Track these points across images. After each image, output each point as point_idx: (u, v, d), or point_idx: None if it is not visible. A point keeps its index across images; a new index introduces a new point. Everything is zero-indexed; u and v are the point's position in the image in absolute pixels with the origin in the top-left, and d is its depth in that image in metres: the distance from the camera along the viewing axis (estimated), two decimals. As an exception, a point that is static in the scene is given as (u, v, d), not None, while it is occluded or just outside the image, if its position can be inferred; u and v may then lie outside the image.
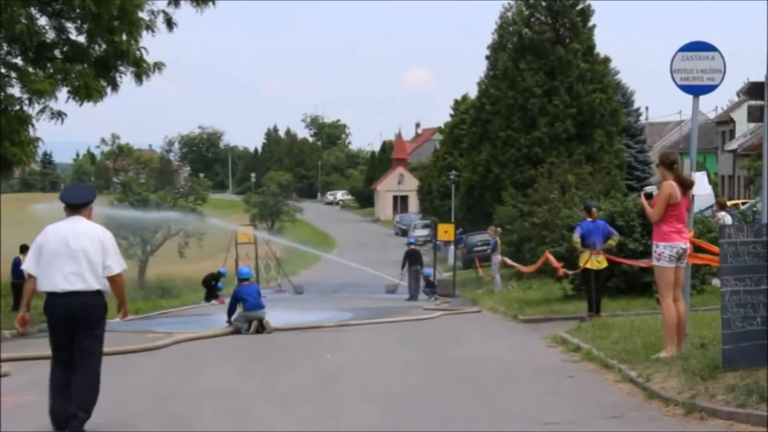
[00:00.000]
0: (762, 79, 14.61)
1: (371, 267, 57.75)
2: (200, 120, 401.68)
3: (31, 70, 27.85)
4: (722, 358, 12.36)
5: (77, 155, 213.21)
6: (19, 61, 28.23)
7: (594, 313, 23.18)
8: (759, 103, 14.97)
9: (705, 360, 12.94)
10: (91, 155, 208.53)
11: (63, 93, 27.87)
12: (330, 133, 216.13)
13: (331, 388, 14.69)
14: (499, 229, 44.05)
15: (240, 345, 22.29)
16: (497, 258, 40.24)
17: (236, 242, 47.73)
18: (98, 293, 11.33)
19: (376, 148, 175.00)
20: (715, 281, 24.73)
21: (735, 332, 12.29)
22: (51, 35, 28.52)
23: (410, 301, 40.24)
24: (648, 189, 18.56)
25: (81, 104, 27.91)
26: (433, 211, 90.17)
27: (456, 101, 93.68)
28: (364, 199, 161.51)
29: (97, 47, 28.60)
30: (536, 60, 58.12)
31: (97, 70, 28.29)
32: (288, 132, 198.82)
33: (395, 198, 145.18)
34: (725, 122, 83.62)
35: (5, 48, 27.96)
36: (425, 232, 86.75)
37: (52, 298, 11.30)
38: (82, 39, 28.62)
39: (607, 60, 60.86)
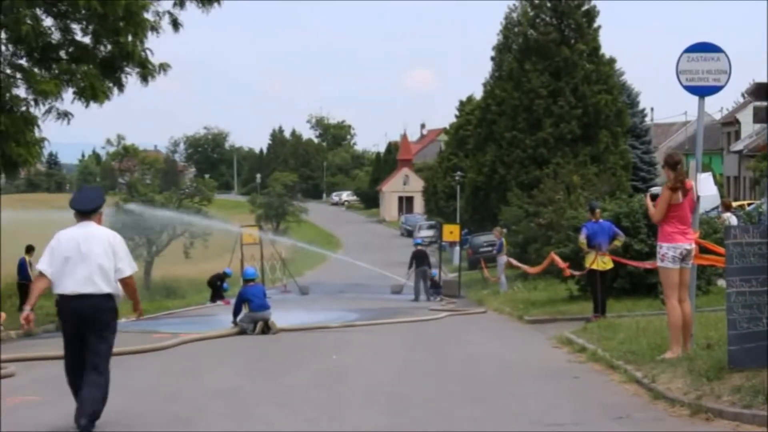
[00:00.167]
0: (767, 79, 14.59)
1: (377, 269, 57.73)
2: (205, 121, 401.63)
3: (36, 71, 27.86)
4: (728, 358, 12.36)
5: (83, 156, 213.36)
6: (24, 62, 28.24)
7: (599, 314, 23.18)
8: (764, 104, 14.96)
9: (711, 361, 12.93)
10: (96, 156, 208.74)
11: (68, 94, 27.90)
12: (335, 134, 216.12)
13: (335, 389, 14.70)
14: (504, 230, 44.01)
15: (245, 345, 22.30)
16: (503, 259, 40.22)
17: (241, 243, 47.72)
18: (109, 296, 11.53)
19: (382, 148, 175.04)
20: (721, 282, 24.71)
21: (741, 333, 12.28)
22: (56, 36, 28.53)
23: (415, 302, 40.21)
24: (654, 190, 18.52)
25: (87, 105, 27.93)
26: (439, 212, 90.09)
27: (461, 102, 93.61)
28: (370, 200, 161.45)
29: (102, 48, 28.60)
30: (541, 61, 58.07)
31: (102, 71, 28.30)
32: (293, 133, 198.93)
33: (400, 199, 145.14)
34: (731, 123, 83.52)
35: (11, 49, 27.98)
36: (430, 232, 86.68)
37: (64, 300, 11.51)
38: (87, 40, 28.63)
39: (612, 61, 60.82)
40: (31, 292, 11.80)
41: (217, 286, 43.87)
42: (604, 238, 23.77)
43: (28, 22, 26.57)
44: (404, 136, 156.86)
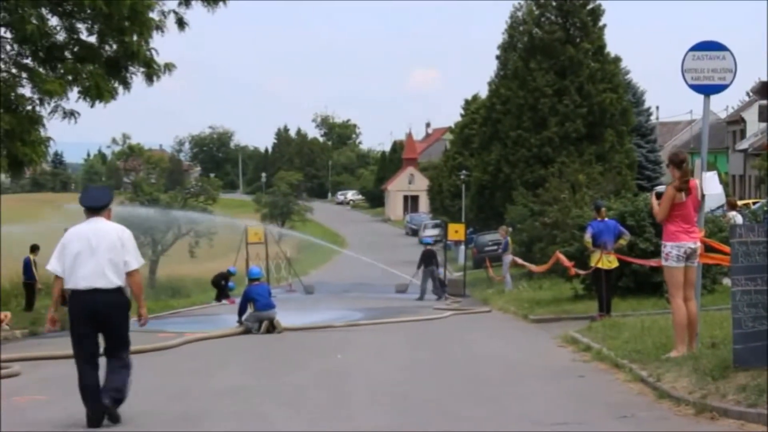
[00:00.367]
0: (766, 75, 14.58)
1: (382, 268, 57.73)
2: (211, 120, 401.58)
3: (41, 70, 27.88)
4: (733, 357, 12.34)
5: (88, 155, 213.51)
6: (29, 61, 28.26)
7: (604, 313, 23.17)
8: (770, 102, 14.94)
9: (716, 360, 12.92)
10: (102, 155, 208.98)
11: (74, 93, 27.92)
12: (340, 133, 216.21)
13: (340, 388, 14.71)
14: (510, 229, 43.96)
15: (250, 345, 22.32)
16: (508, 258, 40.18)
17: (246, 242, 47.70)
18: (120, 290, 11.82)
19: (387, 147, 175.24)
20: (726, 281, 24.69)
21: (746, 332, 12.27)
22: (62, 36, 28.56)
23: (420, 301, 40.19)
24: (659, 188, 18.55)
25: (92, 105, 27.95)
26: (444, 211, 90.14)
27: (466, 101, 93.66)
28: (375, 199, 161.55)
29: (107, 48, 28.62)
30: (546, 60, 58.09)
31: (107, 70, 28.32)
32: (298, 132, 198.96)
33: (406, 198, 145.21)
34: (736, 122, 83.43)
35: (16, 48, 28.00)
36: (436, 231, 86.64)
37: (76, 295, 11.75)
38: (92, 39, 28.65)
39: (617, 59, 60.82)
40: (52, 294, 12.24)
41: (221, 286, 43.84)
42: (610, 237, 23.76)
43: (34, 21, 26.60)
44: (409, 135, 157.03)
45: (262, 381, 15.69)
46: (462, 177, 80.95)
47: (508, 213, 52.52)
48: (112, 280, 11.72)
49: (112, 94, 28.24)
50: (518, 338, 22.71)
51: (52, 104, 27.98)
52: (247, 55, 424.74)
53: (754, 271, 12.39)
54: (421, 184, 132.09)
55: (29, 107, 27.90)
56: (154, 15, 28.92)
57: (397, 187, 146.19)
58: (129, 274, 11.87)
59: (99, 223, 11.93)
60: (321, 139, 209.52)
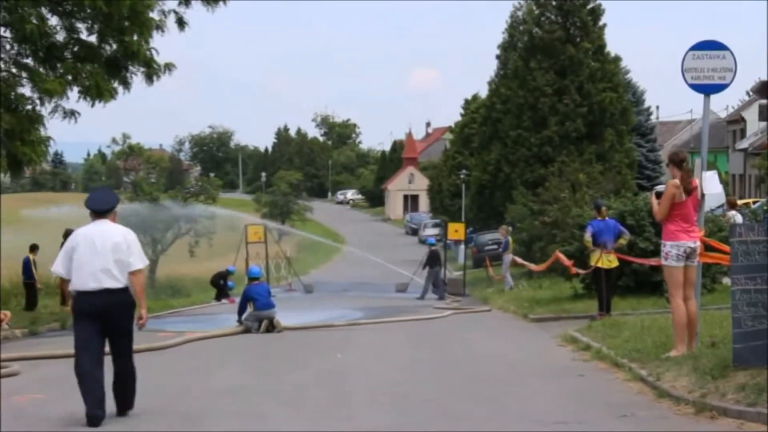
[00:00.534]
0: (766, 76, 14.59)
1: (381, 267, 57.77)
2: (211, 119, 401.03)
3: (41, 70, 27.87)
4: (733, 356, 12.35)
5: (88, 155, 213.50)
6: (29, 61, 28.25)
7: (604, 312, 23.18)
8: (770, 102, 14.95)
9: (715, 359, 12.93)
10: (102, 155, 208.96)
11: (74, 93, 27.91)
12: (340, 133, 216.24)
13: (340, 387, 14.71)
14: (510, 229, 43.94)
15: (250, 344, 22.31)
16: (508, 257, 40.16)
17: (246, 241, 47.72)
18: (125, 290, 12.10)
19: (387, 147, 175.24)
20: (726, 280, 24.70)
21: (745, 331, 12.27)
22: (61, 35, 28.54)
23: (420, 300, 40.20)
24: (659, 188, 18.49)
25: (92, 104, 27.93)
26: (444, 211, 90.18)
27: (466, 100, 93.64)
28: (375, 199, 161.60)
29: (107, 47, 28.61)
30: (547, 59, 58.11)
31: (107, 70, 28.31)
32: (298, 131, 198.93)
33: (406, 197, 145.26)
34: (736, 121, 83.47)
35: (16, 48, 27.99)
36: (436, 231, 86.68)
37: (83, 296, 11.99)
38: (92, 39, 28.63)
39: (617, 59, 60.85)
40: (66, 294, 12.37)
41: (220, 285, 43.86)
42: (610, 236, 23.76)
43: (33, 21, 26.58)
44: (409, 135, 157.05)
45: (262, 380, 15.69)
46: (462, 176, 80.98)
47: (508, 212, 52.56)
48: (119, 280, 11.99)
49: (112, 94, 28.23)
50: (518, 337, 22.71)
51: (52, 104, 27.97)
52: (247, 54, 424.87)
53: (754, 270, 12.40)
54: (421, 184, 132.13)
55: (29, 107, 27.88)
56: (154, 15, 28.92)
57: (397, 187, 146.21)
58: (132, 274, 12.11)
59: (105, 225, 12.21)
60: (321, 139, 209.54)
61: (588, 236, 23.94)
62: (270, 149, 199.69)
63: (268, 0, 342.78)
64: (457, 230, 48.89)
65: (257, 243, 48.21)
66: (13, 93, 27.63)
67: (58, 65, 28.01)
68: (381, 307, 35.03)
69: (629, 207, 27.66)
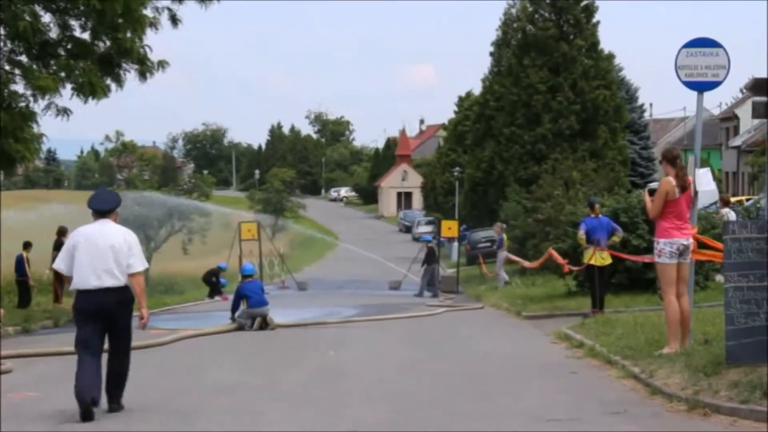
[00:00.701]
0: (766, 75, 14.59)
1: (375, 264, 57.79)
2: (204, 117, 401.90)
3: (35, 67, 27.83)
4: (725, 354, 12.37)
5: (81, 152, 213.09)
6: (23, 58, 28.20)
7: (597, 310, 23.20)
8: (763, 99, 14.94)
9: (708, 356, 12.94)
10: (95, 152, 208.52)
11: (67, 90, 27.86)
12: (334, 130, 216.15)
13: (334, 385, 14.71)
14: (504, 226, 43.92)
15: (244, 342, 22.30)
16: (503, 254, 40.12)
17: (240, 238, 47.70)
18: (125, 288, 12.34)
19: (380, 144, 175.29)
20: (719, 277, 24.72)
21: (738, 328, 12.29)
22: (55, 32, 28.49)
23: (418, 298, 40.17)
24: (652, 185, 18.49)
25: (85, 102, 27.90)
26: (437, 208, 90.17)
27: (460, 98, 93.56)
28: (368, 196, 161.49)
29: (101, 44, 28.57)
30: (540, 56, 58.09)
31: (101, 67, 28.27)
32: (292, 129, 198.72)
33: (399, 194, 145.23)
34: (729, 118, 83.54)
35: (9, 45, 27.94)
36: (429, 228, 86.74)
37: (84, 294, 12.25)
38: (86, 36, 28.59)
39: (611, 56, 60.89)
40: (66, 289, 12.53)
41: (213, 282, 43.83)
42: (603, 233, 23.77)
43: (27, 18, 26.52)
44: (403, 132, 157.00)
45: (255, 378, 15.68)
46: (455, 174, 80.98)
47: (502, 210, 52.57)
48: (118, 278, 12.22)
49: (105, 91, 28.18)
50: (511, 335, 22.73)
51: (46, 101, 27.92)
52: (241, 51, 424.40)
53: (747, 268, 12.41)
54: (414, 181, 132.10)
55: (22, 104, 27.84)
56: (147, 12, 28.88)
57: (391, 184, 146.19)
58: (132, 276, 12.35)
59: (106, 225, 12.46)
60: (314, 136, 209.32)
61: (581, 233, 23.95)
62: (263, 146, 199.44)
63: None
64: (450, 227, 48.88)
65: (251, 240, 48.21)
66: (6, 90, 27.57)
67: (52, 62, 27.97)
68: (374, 304, 35.03)
69: (622, 204, 27.68)
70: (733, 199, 37.46)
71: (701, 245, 16.16)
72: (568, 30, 58.77)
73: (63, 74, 27.62)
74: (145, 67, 28.73)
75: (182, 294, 47.17)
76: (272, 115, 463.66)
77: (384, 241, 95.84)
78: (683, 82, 15.91)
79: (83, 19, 28.28)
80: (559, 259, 27.86)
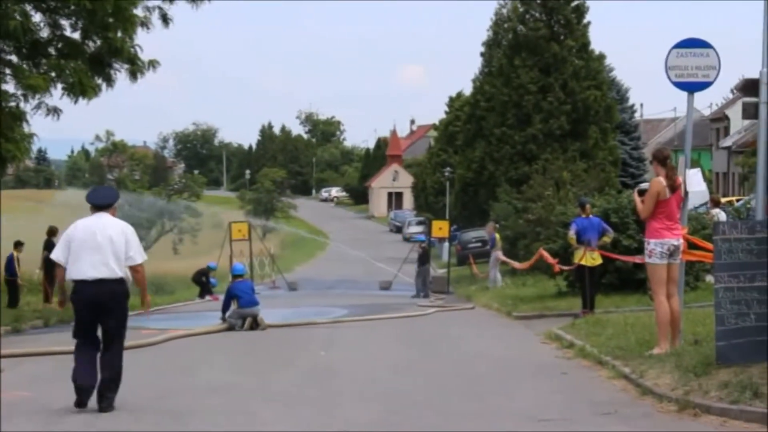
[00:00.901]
0: (756, 75, 14.62)
1: (365, 265, 57.81)
2: (194, 116, 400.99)
3: (25, 66, 27.79)
4: (716, 354, 12.38)
5: (72, 152, 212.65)
6: (13, 57, 28.17)
7: (588, 310, 23.22)
8: (753, 100, 14.98)
9: (698, 356, 12.96)
10: (85, 152, 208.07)
11: (57, 90, 27.83)
12: (324, 130, 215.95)
13: (326, 385, 14.70)
14: (497, 225, 43.88)
15: (234, 342, 22.27)
16: (496, 254, 40.04)
17: (230, 238, 47.67)
18: (121, 281, 12.59)
19: (371, 144, 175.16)
20: (709, 278, 24.74)
21: (728, 329, 12.31)
22: (45, 32, 28.48)
23: (416, 298, 40.10)
24: (643, 186, 18.50)
25: (75, 101, 27.87)
26: (428, 208, 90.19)
27: (451, 98, 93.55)
28: (359, 196, 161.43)
29: (91, 44, 28.54)
30: (531, 57, 58.15)
31: (91, 66, 28.25)
32: (283, 129, 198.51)
33: (390, 195, 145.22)
34: (720, 119, 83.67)
35: (-1, 44, 27.92)
36: (420, 228, 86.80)
37: (81, 285, 12.51)
38: (76, 36, 28.57)
39: (601, 57, 60.98)
40: (57, 282, 13.25)
41: (203, 282, 43.79)
42: (594, 234, 23.79)
43: (17, 17, 26.50)
44: (393, 132, 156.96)
45: (246, 378, 15.66)
46: (446, 174, 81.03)
47: (493, 210, 52.58)
48: (115, 270, 12.45)
49: (95, 91, 28.16)
50: (502, 335, 22.73)
51: (36, 100, 27.90)
52: (232, 51, 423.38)
53: (737, 268, 12.43)
54: (405, 181, 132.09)
55: (12, 103, 27.81)
56: (138, 11, 28.88)
57: (381, 184, 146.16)
58: (133, 269, 12.72)
59: (104, 218, 12.70)
60: (305, 136, 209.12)
61: (572, 234, 23.97)
62: (254, 146, 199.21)
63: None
64: (441, 228, 48.90)
65: (241, 240, 48.18)
66: (-4, 90, 27.56)
67: (42, 62, 27.95)
68: (365, 304, 35.02)
69: (613, 205, 27.70)
70: (723, 200, 37.55)
71: (691, 246, 16.19)
72: (559, 30, 58.85)
73: (53, 74, 27.61)
74: (135, 67, 28.72)
75: (173, 294, 47.08)
76: (263, 115, 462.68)
77: (375, 241, 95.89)
78: (673, 82, 15.93)
79: (74, 18, 28.28)
80: (550, 259, 27.89)
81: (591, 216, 24.38)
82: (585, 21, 59.29)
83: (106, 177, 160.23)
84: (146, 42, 41.12)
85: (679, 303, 15.05)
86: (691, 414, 11.26)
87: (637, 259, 22.99)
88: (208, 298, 41.51)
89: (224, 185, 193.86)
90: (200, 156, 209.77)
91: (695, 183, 15.54)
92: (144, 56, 28.94)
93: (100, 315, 12.52)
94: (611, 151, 58.74)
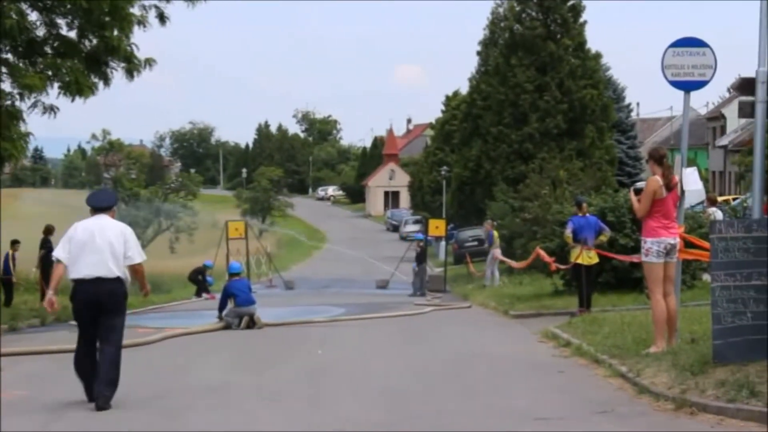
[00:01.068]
0: (753, 74, 14.63)
1: (362, 263, 57.80)
2: (191, 115, 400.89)
3: (21, 65, 27.78)
4: (712, 353, 12.39)
5: (68, 151, 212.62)
6: (9, 56, 28.14)
7: (585, 309, 23.23)
8: (750, 98, 14.99)
9: (695, 355, 12.97)
10: (82, 151, 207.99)
11: (54, 89, 27.81)
12: (321, 129, 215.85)
13: (322, 384, 14.70)
14: (495, 223, 43.87)
15: (231, 340, 22.26)
16: (494, 252, 39.99)
17: (227, 237, 47.66)
18: (119, 280, 12.92)
19: (368, 143, 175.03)
20: (706, 276, 24.78)
21: (725, 327, 12.31)
22: (41, 31, 28.46)
23: (413, 297, 40.08)
24: (639, 185, 18.53)
25: (72, 100, 27.85)
26: (424, 207, 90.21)
27: (447, 97, 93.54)
28: (355, 195, 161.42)
29: (87, 43, 28.53)
30: (527, 56, 58.17)
31: (87, 65, 28.23)
32: (279, 128, 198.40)
33: (386, 193, 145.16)
34: (716, 118, 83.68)
35: (-5, 43, 27.89)
36: (416, 227, 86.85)
37: (80, 284, 12.84)
38: (72, 34, 28.55)
39: (598, 56, 61.00)
40: (51, 278, 13.23)
41: (199, 281, 43.77)
42: (590, 233, 23.80)
43: (13, 16, 26.47)
44: (390, 131, 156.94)
45: (243, 377, 15.65)
46: (443, 173, 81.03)
47: (489, 209, 52.61)
48: (113, 270, 12.78)
49: (92, 90, 28.16)
50: (499, 334, 22.73)
51: (32, 99, 27.88)
52: (228, 50, 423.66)
53: (734, 267, 12.44)
54: (401, 180, 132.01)
55: (8, 102, 27.79)
56: (134, 10, 28.85)
57: (378, 183, 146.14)
58: (133, 268, 13.12)
59: (103, 219, 13.09)
60: (302, 135, 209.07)
61: (568, 232, 23.99)
62: (251, 145, 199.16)
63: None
64: (437, 227, 48.91)
65: (238, 239, 48.16)
66: (-8, 89, 27.54)
67: (38, 60, 27.93)
68: (362, 303, 35.01)
69: (610, 203, 27.72)
70: (719, 199, 37.55)
71: (688, 244, 16.19)
72: (556, 29, 58.90)
73: (50, 73, 27.58)
74: (132, 65, 28.71)
75: (169, 293, 47.08)
76: (259, 113, 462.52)
77: (371, 240, 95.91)
78: (670, 81, 15.93)
79: (70, 17, 28.26)
80: (547, 258, 27.89)
81: (588, 215, 24.39)
82: (581, 20, 59.37)
83: (102, 176, 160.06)
84: (143, 41, 41.14)
85: (675, 302, 15.06)
86: (688, 413, 11.26)
87: (633, 258, 22.99)
88: (204, 296, 41.49)
89: (221, 184, 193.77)
90: (197, 155, 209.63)
91: (692, 182, 15.50)
92: (140, 55, 28.97)
93: (98, 314, 12.75)
94: (608, 150, 58.79)
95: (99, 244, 12.79)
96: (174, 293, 45.93)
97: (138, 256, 13.10)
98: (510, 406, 12.38)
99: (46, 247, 31.55)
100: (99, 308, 12.76)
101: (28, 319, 27.79)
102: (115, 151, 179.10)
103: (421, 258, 43.40)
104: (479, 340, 21.12)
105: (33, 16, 28.19)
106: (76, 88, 27.49)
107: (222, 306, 25.73)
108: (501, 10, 62.87)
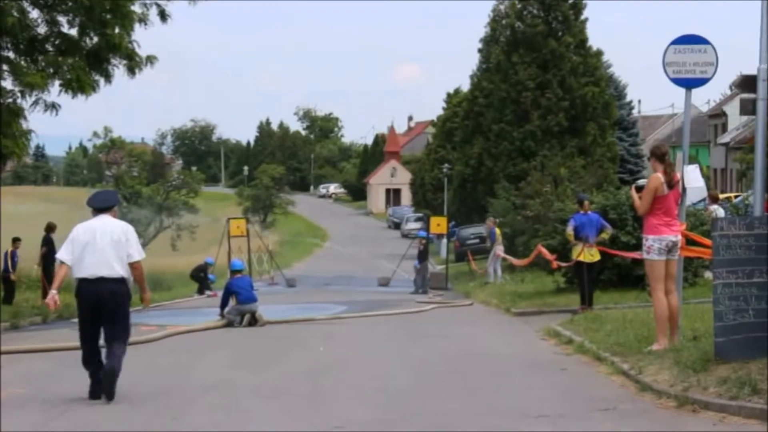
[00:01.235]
0: (754, 72, 14.62)
1: (364, 261, 57.79)
2: (193, 113, 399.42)
3: (23, 63, 27.77)
4: (714, 350, 12.39)
5: (70, 148, 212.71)
6: (10, 54, 28.13)
7: (586, 306, 23.23)
8: (751, 96, 14.97)
9: (697, 352, 12.96)
10: (83, 148, 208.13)
11: (55, 86, 27.80)
12: (323, 126, 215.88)
13: (323, 382, 14.69)
14: (497, 220, 43.83)
15: (232, 338, 22.27)
16: (496, 248, 39.93)
17: (229, 235, 47.63)
18: (122, 280, 13.11)
19: (369, 141, 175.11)
20: (708, 274, 24.75)
21: (727, 325, 12.31)
22: (43, 28, 28.44)
23: (414, 294, 40.06)
24: (640, 182, 18.56)
25: (73, 97, 27.84)
26: (426, 204, 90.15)
27: (448, 94, 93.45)
28: (357, 192, 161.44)
29: (89, 40, 28.52)
30: (529, 53, 58.13)
31: (89, 63, 28.22)
32: (281, 125, 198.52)
33: (388, 191, 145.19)
34: (718, 115, 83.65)
35: (-3, 41, 27.87)
36: (418, 225, 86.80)
37: (84, 283, 13.04)
38: (74, 32, 28.54)
39: (599, 53, 60.95)
40: (55, 278, 13.46)
41: (201, 278, 43.74)
42: (592, 230, 23.80)
43: (15, 14, 26.47)
44: (392, 129, 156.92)
45: (245, 374, 15.66)
46: (444, 170, 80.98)
47: (491, 207, 52.60)
48: (116, 269, 13.01)
49: (93, 87, 28.15)
50: (500, 331, 22.72)
51: (34, 97, 27.87)
52: (230, 48, 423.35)
53: (736, 264, 12.44)
54: (403, 178, 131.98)
55: (10, 100, 27.79)
56: (136, 7, 28.85)
57: (380, 181, 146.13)
58: (132, 265, 13.19)
59: (105, 219, 13.29)
60: (303, 133, 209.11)
61: (570, 230, 23.99)
62: (252, 143, 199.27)
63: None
64: (439, 224, 48.87)
65: (240, 237, 48.13)
66: (-6, 86, 27.53)
67: (40, 58, 27.92)
68: (363, 301, 34.99)
69: (611, 201, 27.71)
70: (721, 196, 37.58)
71: (690, 242, 16.18)
72: (557, 27, 58.86)
73: (51, 70, 27.57)
74: (133, 63, 28.70)
75: (171, 290, 47.10)
76: (261, 111, 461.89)
77: (373, 238, 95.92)
78: (671, 79, 15.92)
79: (71, 14, 28.24)
80: (548, 256, 27.89)
81: (589, 212, 24.39)
82: (582, 17, 59.32)
83: (104, 173, 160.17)
84: (144, 38, 41.18)
85: (677, 299, 15.04)
86: (690, 410, 11.26)
87: (635, 255, 22.99)
88: (207, 293, 41.47)
89: (222, 182, 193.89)
90: (198, 152, 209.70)
91: (693, 179, 15.49)
92: (142, 52, 28.96)
93: (101, 313, 12.95)
94: (609, 148, 58.77)
95: (101, 244, 12.96)
96: (176, 291, 45.95)
97: (137, 254, 13.25)
98: (511, 404, 12.37)
99: (48, 244, 31.59)
100: (102, 308, 12.93)
101: (29, 317, 27.81)
102: (116, 148, 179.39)
103: (423, 255, 43.41)
104: (481, 338, 21.12)
105: (34, 13, 28.18)
106: (78, 86, 27.48)
107: (224, 303, 25.73)
108: (502, 7, 62.86)
